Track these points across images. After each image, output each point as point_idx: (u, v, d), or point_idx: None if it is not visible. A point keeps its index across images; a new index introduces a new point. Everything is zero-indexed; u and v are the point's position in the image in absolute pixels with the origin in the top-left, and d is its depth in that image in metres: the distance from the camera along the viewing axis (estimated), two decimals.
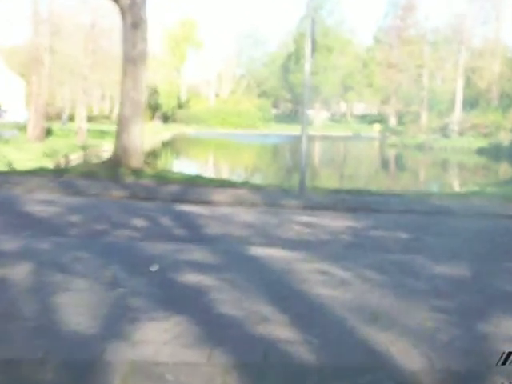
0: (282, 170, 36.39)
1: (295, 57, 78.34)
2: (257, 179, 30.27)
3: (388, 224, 10.17)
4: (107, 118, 69.66)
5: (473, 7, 66.67)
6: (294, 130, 61.31)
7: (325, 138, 63.37)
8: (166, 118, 78.34)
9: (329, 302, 4.88)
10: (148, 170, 15.59)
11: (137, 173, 14.97)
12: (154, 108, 75.86)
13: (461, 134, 58.67)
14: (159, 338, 4.03)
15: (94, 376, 3.49)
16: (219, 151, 50.96)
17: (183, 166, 38.74)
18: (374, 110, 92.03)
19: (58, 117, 58.22)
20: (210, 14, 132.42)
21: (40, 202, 11.11)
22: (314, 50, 13.48)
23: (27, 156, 29.04)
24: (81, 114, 45.07)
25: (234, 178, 29.91)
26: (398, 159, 49.07)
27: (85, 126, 44.82)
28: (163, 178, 14.58)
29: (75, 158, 34.10)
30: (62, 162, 32.19)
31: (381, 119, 79.80)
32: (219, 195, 12.64)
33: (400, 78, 73.68)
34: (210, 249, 6.84)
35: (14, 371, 3.50)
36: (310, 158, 38.21)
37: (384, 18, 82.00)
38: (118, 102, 16.91)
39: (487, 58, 65.38)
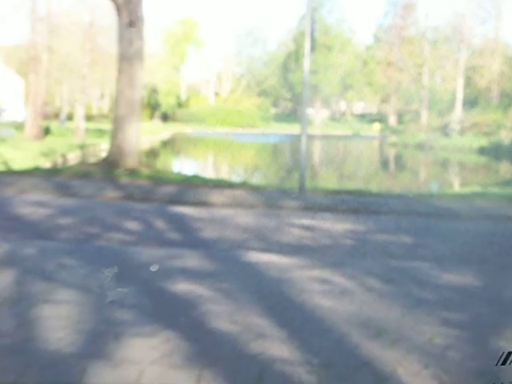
0: (281, 169, 36.08)
1: (295, 56, 77.99)
2: (256, 179, 30.02)
3: (390, 227, 9.82)
4: (106, 117, 69.26)
5: (473, 6, 66.32)
6: (293, 129, 61.10)
7: (325, 137, 63.09)
8: (165, 117, 77.98)
9: (330, 314, 4.54)
10: (144, 170, 15.24)
11: (132, 173, 14.63)
12: (153, 107, 75.54)
13: (461, 133, 58.27)
14: (145, 357, 3.69)
15: None
16: (219, 150, 50.59)
17: (182, 165, 38.44)
18: (373, 109, 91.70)
19: (57, 116, 57.88)
20: (210, 13, 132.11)
21: (31, 204, 10.77)
22: (313, 48, 13.14)
23: (24, 155, 28.67)
24: (79, 113, 44.68)
25: (234, 178, 29.67)
26: (398, 158, 48.71)
27: (83, 125, 44.43)
28: (159, 179, 14.24)
29: (73, 158, 33.76)
30: (60, 161, 31.83)
31: (380, 118, 79.46)
32: (216, 196, 12.30)
33: (400, 77, 73.35)
34: (204, 254, 6.50)
35: None
36: (310, 157, 37.89)
37: (384, 16, 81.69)
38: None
39: (487, 57, 64.99)
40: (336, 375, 3.52)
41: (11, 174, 14.98)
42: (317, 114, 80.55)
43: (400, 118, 72.43)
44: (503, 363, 3.68)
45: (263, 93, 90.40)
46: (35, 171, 15.46)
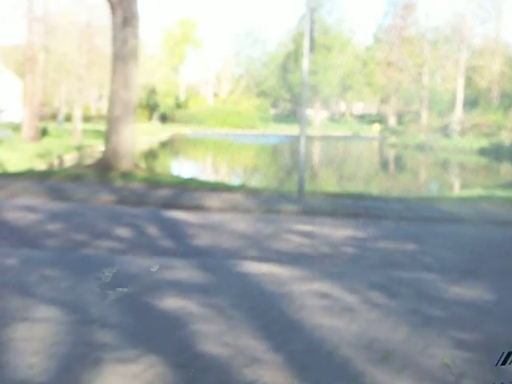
0: (281, 170, 35.72)
1: (294, 56, 77.54)
2: (256, 180, 29.64)
3: (393, 233, 9.41)
4: (104, 118, 68.69)
5: (473, 6, 65.97)
6: (293, 129, 60.69)
7: (324, 137, 62.69)
8: (164, 118, 77.52)
9: (331, 335, 4.15)
10: (139, 173, 14.84)
11: (127, 176, 14.23)
12: (152, 108, 75.11)
13: (462, 133, 57.86)
14: None
15: None
16: (218, 151, 50.22)
17: (181, 166, 38.07)
18: (373, 110, 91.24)
19: (55, 117, 57.47)
20: (209, 13, 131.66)
21: (20, 208, 10.38)
22: (312, 47, 12.75)
23: (19, 157, 28.28)
24: (76, 114, 44.27)
25: (233, 180, 29.30)
26: (398, 159, 48.34)
27: (80, 126, 44.04)
28: (155, 182, 13.83)
29: (69, 159, 33.39)
30: (56, 162, 31.46)
31: (380, 119, 79.00)
32: (212, 200, 11.90)
33: (400, 78, 72.96)
34: (196, 265, 6.11)
35: None
36: (309, 158, 37.51)
37: (384, 16, 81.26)
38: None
39: (488, 57, 64.62)
40: None
41: (2, 177, 14.58)
42: (316, 115, 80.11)
43: (400, 118, 71.99)
44: (503, 363, 3.61)
45: (262, 93, 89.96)
46: (27, 174, 15.06)
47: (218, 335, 4.09)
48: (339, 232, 9.11)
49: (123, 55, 14.90)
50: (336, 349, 3.92)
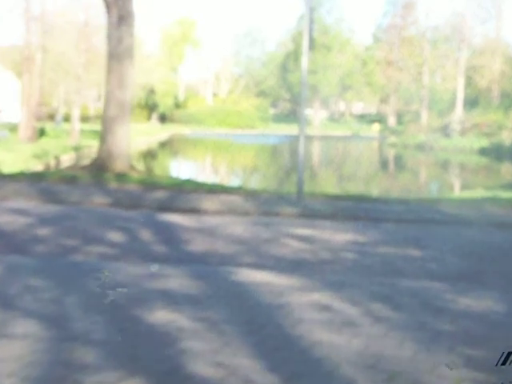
0: (281, 170, 35.46)
1: (294, 56, 77.17)
2: (255, 181, 29.35)
3: (395, 237, 9.09)
4: None
5: (473, 5, 65.68)
6: (292, 129, 60.35)
7: (324, 137, 62.41)
8: (163, 118, 77.18)
9: (332, 353, 3.84)
10: (134, 175, 14.53)
11: (122, 177, 13.91)
12: (151, 108, 74.78)
13: (462, 133, 57.55)
14: None
15: None
16: (217, 152, 49.92)
17: (180, 167, 37.78)
18: (373, 110, 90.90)
19: (53, 117, 57.13)
20: (208, 13, 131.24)
21: (10, 212, 10.07)
22: (311, 46, 12.44)
23: (15, 157, 27.98)
24: (75, 115, 43.95)
25: (232, 180, 29.02)
26: (398, 159, 48.07)
27: (78, 126, 43.71)
28: (150, 183, 13.51)
29: (66, 160, 33.08)
30: (52, 163, 31.15)
31: (380, 119, 78.65)
32: (209, 202, 11.58)
33: (400, 77, 72.63)
34: (188, 273, 5.80)
35: None
36: (309, 158, 37.19)
37: (383, 16, 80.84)
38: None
39: (488, 57, 64.31)
40: None
41: None
42: (316, 115, 79.80)
43: (400, 118, 71.65)
44: (503, 363, 3.57)
45: (262, 93, 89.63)
46: (20, 175, 14.75)
47: (209, 354, 3.78)
48: (339, 236, 8.79)
49: (118, 54, 14.59)
50: (337, 368, 3.61)
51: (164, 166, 38.33)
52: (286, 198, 12.66)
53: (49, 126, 47.80)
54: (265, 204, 11.81)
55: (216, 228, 9.13)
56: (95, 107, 74.69)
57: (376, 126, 74.30)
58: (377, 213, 11.30)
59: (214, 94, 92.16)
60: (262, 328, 4.25)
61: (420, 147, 53.43)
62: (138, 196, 12.25)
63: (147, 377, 3.43)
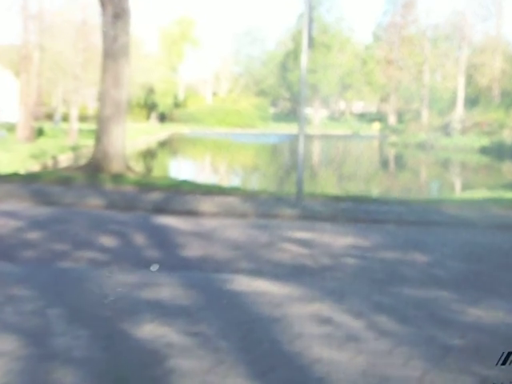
0: (280, 170, 35.19)
1: (294, 55, 76.82)
2: (254, 180, 29.08)
3: (398, 240, 8.77)
4: None
5: (473, 3, 65.42)
6: (292, 128, 60.03)
7: (324, 136, 62.11)
8: (162, 118, 76.90)
9: (333, 372, 3.53)
10: (130, 175, 14.21)
11: (117, 178, 13.60)
12: (150, 107, 74.48)
13: (462, 132, 57.24)
14: None
15: None
16: (217, 151, 49.64)
17: (179, 166, 37.51)
18: (373, 109, 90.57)
19: (52, 117, 56.81)
20: (208, 12, 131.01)
21: (0, 215, 9.76)
22: (311, 44, 12.13)
23: (11, 158, 27.68)
24: (73, 114, 43.62)
25: (231, 180, 28.76)
26: (399, 159, 47.79)
27: (76, 126, 43.39)
28: (146, 184, 13.20)
29: (64, 159, 32.78)
30: (50, 163, 30.84)
31: (380, 118, 78.31)
32: (206, 204, 11.27)
33: (400, 76, 72.31)
34: (182, 281, 5.49)
35: None
36: (309, 157, 36.89)
37: (383, 15, 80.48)
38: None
39: (488, 55, 64.00)
40: None
41: None
42: (316, 114, 79.50)
43: (400, 117, 71.33)
44: (503, 363, 3.52)
45: (262, 92, 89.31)
46: (14, 176, 14.44)
47: (200, 374, 3.47)
48: (340, 240, 8.47)
49: (114, 52, 14.28)
50: None
51: (163, 165, 38.06)
52: (284, 199, 12.36)
53: (47, 126, 47.49)
54: (263, 205, 11.51)
55: (212, 231, 8.83)
56: (94, 107, 74.45)
57: (376, 125, 73.98)
58: (378, 214, 11.00)
59: (214, 94, 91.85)
60: (258, 344, 3.94)
61: (421, 146, 53.13)
62: (133, 197, 11.95)
63: None
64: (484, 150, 49.08)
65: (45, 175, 14.74)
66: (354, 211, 11.24)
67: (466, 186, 27.67)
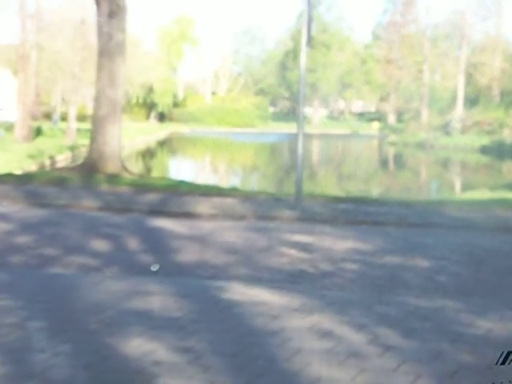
0: (280, 169, 34.95)
1: (293, 54, 76.55)
2: (254, 180, 28.83)
3: (400, 244, 8.49)
4: None
5: (473, 2, 65.23)
6: (292, 128, 59.76)
7: (323, 136, 61.84)
8: (162, 117, 76.63)
9: None
10: (126, 176, 13.93)
11: (113, 179, 13.33)
12: (149, 107, 74.22)
13: (462, 131, 56.99)
14: None
15: None
16: (216, 150, 49.38)
17: (178, 166, 37.26)
18: (372, 108, 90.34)
19: (51, 116, 56.54)
20: (207, 11, 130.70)
21: None
22: (310, 44, 11.85)
23: (9, 157, 27.38)
24: (71, 114, 43.32)
25: (230, 179, 28.49)
26: (399, 158, 47.53)
27: (75, 125, 43.09)
28: (142, 185, 12.93)
29: (62, 159, 32.49)
30: (47, 163, 30.55)
31: (380, 117, 78.02)
32: (203, 206, 10.99)
33: (400, 75, 72.02)
34: (174, 289, 5.21)
35: None
36: (308, 157, 36.63)
37: (383, 14, 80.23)
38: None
39: (488, 54, 63.75)
40: None
41: None
42: (315, 113, 79.25)
43: (400, 116, 71.04)
44: (503, 363, 3.47)
45: (261, 92, 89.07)
46: (8, 177, 14.17)
47: None
48: (340, 244, 8.20)
49: (109, 50, 14.02)
50: None
51: (162, 165, 37.81)
52: (283, 200, 12.09)
53: (46, 126, 47.20)
54: (262, 207, 11.24)
55: (209, 234, 8.55)
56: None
57: (376, 125, 73.71)
58: (378, 216, 10.75)
59: (213, 93, 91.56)
60: (253, 361, 3.66)
61: (420, 145, 52.88)
62: (128, 199, 11.68)
63: None
64: (484, 150, 48.84)
65: (40, 176, 14.48)
66: (353, 212, 10.97)
67: (466, 186, 27.41)
